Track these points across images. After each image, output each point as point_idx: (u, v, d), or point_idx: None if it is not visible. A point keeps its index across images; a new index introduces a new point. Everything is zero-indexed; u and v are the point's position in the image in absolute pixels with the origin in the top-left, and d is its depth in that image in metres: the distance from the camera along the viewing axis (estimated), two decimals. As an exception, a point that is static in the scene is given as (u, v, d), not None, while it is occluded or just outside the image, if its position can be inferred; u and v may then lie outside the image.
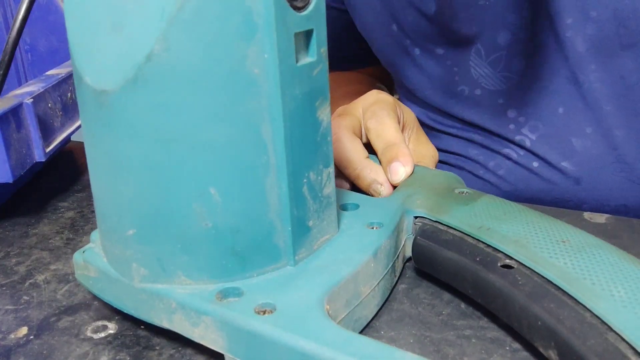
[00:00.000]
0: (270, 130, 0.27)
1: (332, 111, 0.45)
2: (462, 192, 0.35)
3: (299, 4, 0.26)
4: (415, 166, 0.40)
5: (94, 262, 0.31)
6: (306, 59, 0.28)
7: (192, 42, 0.25)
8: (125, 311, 0.30)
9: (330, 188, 0.31)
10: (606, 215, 0.41)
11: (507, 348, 0.29)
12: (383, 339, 0.29)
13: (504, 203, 0.34)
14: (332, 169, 0.31)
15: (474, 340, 0.29)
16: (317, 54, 0.28)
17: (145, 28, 0.24)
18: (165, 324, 0.28)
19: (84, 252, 0.32)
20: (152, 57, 0.25)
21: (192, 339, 0.27)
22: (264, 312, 0.26)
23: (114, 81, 0.26)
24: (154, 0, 0.24)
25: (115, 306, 0.31)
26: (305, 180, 0.29)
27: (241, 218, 0.28)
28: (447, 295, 0.33)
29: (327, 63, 0.29)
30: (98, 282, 0.31)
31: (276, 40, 0.25)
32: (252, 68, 0.26)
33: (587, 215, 0.41)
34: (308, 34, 0.28)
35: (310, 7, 0.27)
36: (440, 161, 0.55)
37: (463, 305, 0.32)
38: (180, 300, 0.27)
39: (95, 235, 0.32)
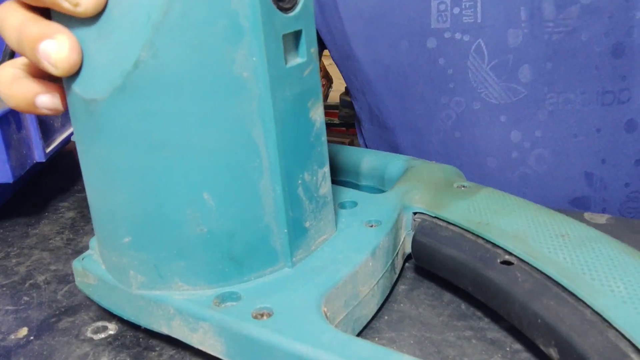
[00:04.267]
0: (262, 133, 0.26)
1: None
2: (461, 186, 0.35)
3: (286, 5, 0.26)
4: (414, 160, 0.39)
5: (93, 269, 0.31)
6: (296, 60, 0.27)
7: (178, 47, 0.24)
8: (125, 318, 0.30)
9: (326, 188, 0.31)
10: (606, 216, 0.40)
11: (508, 349, 0.28)
12: (383, 340, 0.29)
13: (503, 196, 0.34)
14: (327, 169, 0.31)
15: (474, 341, 0.29)
16: (307, 54, 0.27)
17: (131, 35, 0.24)
18: (164, 330, 0.28)
19: (82, 259, 0.32)
20: (139, 64, 0.24)
21: (192, 344, 0.27)
22: (262, 316, 0.26)
23: (102, 89, 0.25)
24: (139, 7, 0.24)
25: (115, 313, 0.31)
26: (300, 182, 0.28)
27: (236, 222, 0.27)
28: (447, 296, 0.33)
29: (317, 63, 0.28)
30: (97, 290, 0.31)
31: (264, 43, 0.25)
32: (241, 71, 0.25)
33: (587, 215, 0.41)
34: (297, 35, 0.27)
35: (298, 7, 0.26)
36: None
37: (463, 306, 0.32)
38: (178, 307, 0.27)
39: (93, 242, 0.32)
